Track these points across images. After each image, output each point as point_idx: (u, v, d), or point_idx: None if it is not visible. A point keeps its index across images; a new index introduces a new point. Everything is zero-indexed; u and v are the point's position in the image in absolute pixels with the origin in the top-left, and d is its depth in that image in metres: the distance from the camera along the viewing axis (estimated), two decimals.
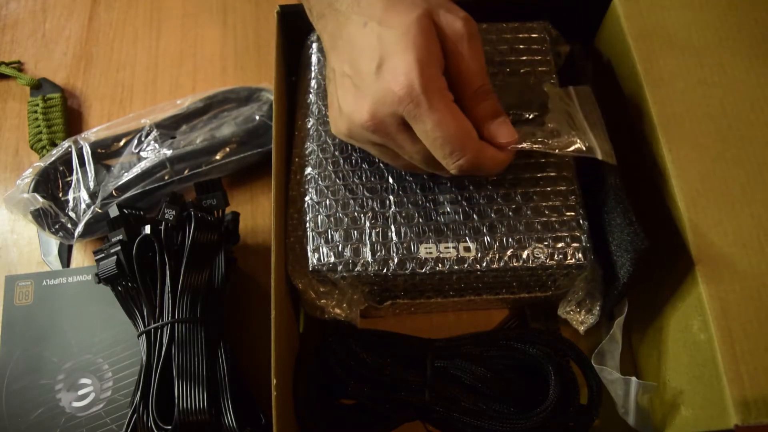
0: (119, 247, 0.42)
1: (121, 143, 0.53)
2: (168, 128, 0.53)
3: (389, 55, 0.35)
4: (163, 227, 0.42)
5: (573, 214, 0.41)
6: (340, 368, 0.42)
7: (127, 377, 0.46)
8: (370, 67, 0.35)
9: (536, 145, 0.38)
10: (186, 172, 0.51)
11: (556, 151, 0.39)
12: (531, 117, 0.41)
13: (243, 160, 0.52)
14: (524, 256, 0.40)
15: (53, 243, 0.53)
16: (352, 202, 0.41)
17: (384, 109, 0.35)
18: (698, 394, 0.37)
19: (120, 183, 0.50)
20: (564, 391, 0.41)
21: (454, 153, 0.35)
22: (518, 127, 0.38)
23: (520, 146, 0.38)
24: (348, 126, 0.38)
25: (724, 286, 0.36)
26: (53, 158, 0.51)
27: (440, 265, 0.39)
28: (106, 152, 0.53)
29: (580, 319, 0.43)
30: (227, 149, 0.52)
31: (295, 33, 0.47)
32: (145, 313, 0.42)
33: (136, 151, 0.52)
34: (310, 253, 0.40)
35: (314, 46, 0.47)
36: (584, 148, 0.39)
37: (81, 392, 0.46)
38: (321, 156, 0.43)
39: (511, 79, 0.45)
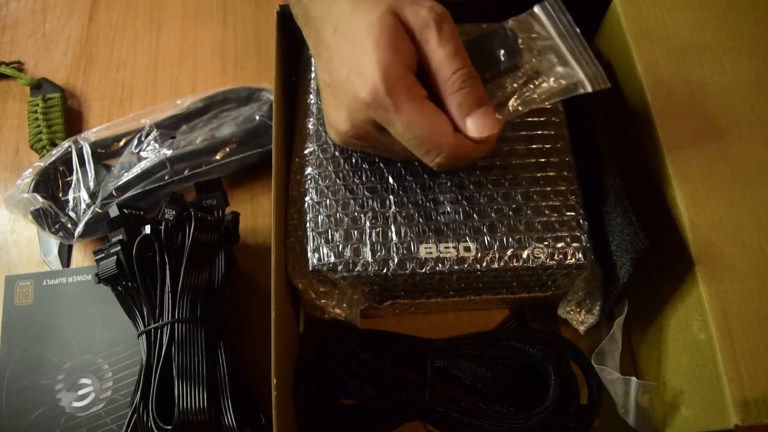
0: (119, 247, 0.42)
1: (121, 143, 0.53)
2: (168, 128, 0.53)
3: (355, 60, 0.34)
4: (163, 227, 0.42)
5: (573, 213, 0.41)
6: (340, 368, 0.42)
7: (127, 377, 0.46)
8: (341, 74, 0.35)
9: (518, 109, 0.36)
10: (186, 172, 0.51)
11: (546, 104, 0.37)
12: (503, 69, 0.37)
13: (243, 160, 0.52)
14: (524, 256, 0.40)
15: (53, 243, 0.53)
16: (352, 202, 0.41)
17: (359, 116, 0.35)
18: (698, 394, 0.37)
19: (120, 183, 0.50)
20: (564, 391, 0.41)
21: (429, 152, 0.35)
22: (490, 88, 0.36)
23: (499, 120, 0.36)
24: (336, 136, 0.38)
25: (724, 286, 0.36)
26: (53, 158, 0.51)
27: (440, 265, 0.39)
28: (106, 152, 0.53)
29: (580, 319, 0.43)
30: (227, 149, 0.52)
31: (295, 33, 0.47)
32: (145, 313, 0.42)
33: (136, 151, 0.52)
34: (310, 253, 0.40)
35: None
36: (571, 86, 0.36)
37: (81, 392, 0.46)
38: (321, 156, 0.43)
39: (472, 32, 0.41)
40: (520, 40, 0.37)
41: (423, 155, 0.35)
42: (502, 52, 0.37)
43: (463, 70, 0.35)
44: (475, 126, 0.35)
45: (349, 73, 0.34)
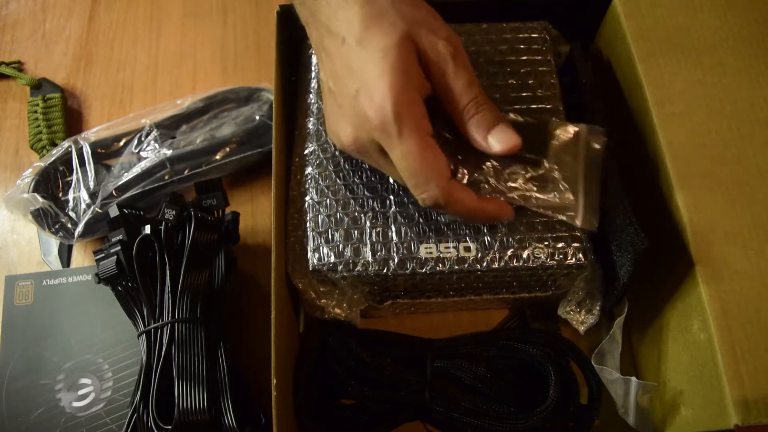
0: (119, 247, 0.42)
1: (121, 143, 0.53)
2: (168, 128, 0.53)
3: (367, 80, 0.34)
4: (163, 227, 0.42)
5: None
6: (340, 368, 0.42)
7: (127, 377, 0.46)
8: (349, 90, 0.35)
9: (516, 197, 0.38)
10: (186, 172, 0.51)
11: (538, 209, 0.39)
12: (528, 156, 0.38)
13: (243, 160, 0.52)
14: (524, 256, 0.40)
15: (53, 243, 0.53)
16: (352, 201, 0.41)
17: (363, 135, 0.35)
18: (698, 394, 0.37)
19: (120, 183, 0.50)
20: (564, 391, 0.41)
21: (418, 186, 0.35)
22: (511, 167, 0.38)
23: (503, 197, 0.38)
24: (337, 143, 0.39)
25: (724, 286, 0.36)
26: (53, 158, 0.51)
27: (440, 265, 0.39)
28: (106, 152, 0.53)
29: (580, 319, 0.43)
30: (227, 149, 0.52)
31: (295, 33, 0.47)
32: (145, 313, 0.42)
33: (136, 151, 0.52)
34: (310, 253, 0.40)
35: None
36: (564, 217, 0.38)
37: (81, 392, 0.46)
38: (321, 156, 0.43)
39: (518, 118, 0.42)
40: (553, 142, 0.39)
41: (412, 188, 0.36)
42: (535, 141, 0.38)
43: (479, 98, 0.36)
44: (496, 140, 0.36)
45: (359, 91, 0.34)
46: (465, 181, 0.38)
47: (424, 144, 0.34)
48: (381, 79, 0.33)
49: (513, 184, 0.38)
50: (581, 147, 0.39)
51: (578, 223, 0.38)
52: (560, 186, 0.38)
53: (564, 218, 0.39)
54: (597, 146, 0.39)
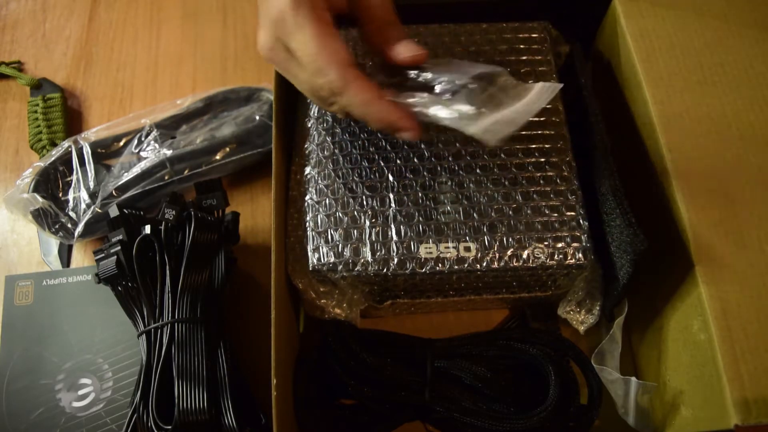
0: (119, 247, 0.42)
1: (121, 143, 0.53)
2: (168, 128, 0.53)
3: None
4: (163, 227, 0.42)
5: (573, 213, 0.41)
6: (340, 368, 0.42)
7: (127, 377, 0.46)
8: None
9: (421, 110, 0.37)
10: (186, 172, 0.51)
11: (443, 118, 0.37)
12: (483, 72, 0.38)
13: (243, 160, 0.52)
14: (524, 255, 0.40)
15: (53, 243, 0.53)
16: (351, 201, 0.41)
17: (270, 35, 0.35)
18: (698, 394, 0.37)
19: (120, 183, 0.50)
20: (564, 391, 0.41)
21: (317, 73, 0.35)
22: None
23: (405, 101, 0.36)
24: (260, 53, 0.38)
25: (724, 286, 0.36)
26: (53, 158, 0.51)
27: (440, 265, 0.39)
28: (106, 152, 0.53)
29: (580, 319, 0.43)
30: (227, 149, 0.52)
31: None
32: (145, 313, 0.42)
33: (136, 151, 0.52)
34: (310, 253, 0.40)
35: None
36: (466, 129, 0.36)
37: (81, 392, 0.46)
38: (321, 155, 0.43)
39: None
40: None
41: (311, 75, 0.35)
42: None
43: (392, 18, 0.38)
44: (406, 48, 0.37)
45: None
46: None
47: (322, 30, 0.34)
48: None
49: (420, 98, 0.37)
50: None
51: (472, 131, 0.35)
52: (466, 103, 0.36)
53: (467, 131, 0.36)
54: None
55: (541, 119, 0.43)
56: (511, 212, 0.41)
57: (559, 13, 0.47)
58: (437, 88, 0.38)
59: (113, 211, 0.44)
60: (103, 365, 0.47)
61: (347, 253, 0.40)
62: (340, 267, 0.39)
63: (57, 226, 0.49)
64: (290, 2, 0.34)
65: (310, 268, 0.40)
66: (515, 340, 0.43)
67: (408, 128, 0.36)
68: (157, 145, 0.52)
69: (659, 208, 0.40)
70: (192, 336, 0.41)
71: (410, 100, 0.37)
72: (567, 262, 0.40)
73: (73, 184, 0.51)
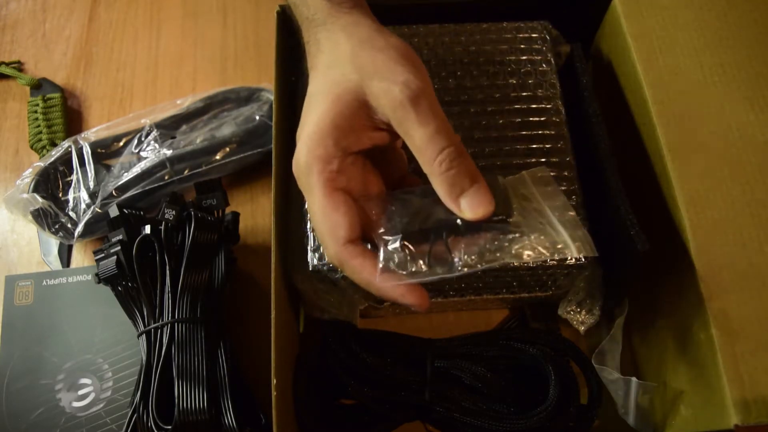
0: (119, 247, 0.42)
1: (121, 143, 0.53)
2: (168, 128, 0.53)
3: (304, 117, 0.35)
4: (163, 227, 0.42)
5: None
6: (340, 368, 0.42)
7: (127, 377, 0.46)
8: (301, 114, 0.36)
9: (492, 258, 0.33)
10: (186, 172, 0.51)
11: (530, 263, 0.35)
12: (494, 219, 0.33)
13: (243, 160, 0.52)
14: (525, 256, 0.39)
15: (53, 243, 0.53)
16: None
17: (295, 170, 0.35)
18: (698, 394, 0.37)
19: (120, 183, 0.50)
20: (564, 391, 0.41)
21: (321, 242, 0.35)
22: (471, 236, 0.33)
23: (474, 269, 0.33)
24: None
25: (724, 286, 0.36)
26: (53, 158, 0.51)
27: None
28: (106, 152, 0.53)
29: (580, 319, 0.43)
30: (227, 149, 0.52)
31: (295, 33, 0.47)
32: (145, 313, 0.42)
33: (136, 151, 0.52)
34: (310, 253, 0.40)
35: None
36: (558, 255, 0.34)
37: (81, 392, 0.46)
38: None
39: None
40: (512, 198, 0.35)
41: (320, 241, 0.35)
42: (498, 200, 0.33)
43: (450, 149, 0.32)
44: (469, 206, 0.32)
45: (300, 124, 0.35)
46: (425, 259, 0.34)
47: (326, 200, 0.33)
48: (307, 124, 0.34)
49: (489, 256, 0.34)
50: (532, 187, 0.36)
51: (575, 253, 0.34)
52: (538, 229, 0.34)
53: (558, 257, 0.34)
54: (546, 180, 0.36)
55: (542, 119, 0.43)
56: None
57: (559, 13, 0.47)
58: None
59: (113, 211, 0.44)
60: (103, 365, 0.47)
61: None
62: None
63: (57, 226, 0.49)
64: (304, 162, 0.33)
65: (310, 268, 0.40)
66: (515, 340, 0.43)
67: (412, 303, 0.34)
68: (157, 145, 0.52)
69: (659, 209, 0.40)
70: (192, 336, 0.41)
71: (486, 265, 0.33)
72: (567, 262, 0.40)
73: (73, 184, 0.51)
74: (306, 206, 0.36)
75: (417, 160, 0.33)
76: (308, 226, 0.41)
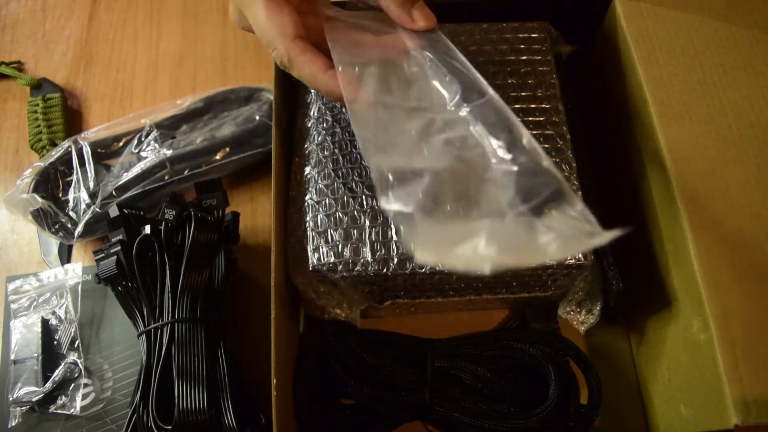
0: (119, 247, 0.42)
1: (121, 143, 0.53)
2: (168, 128, 0.53)
3: None
4: (163, 227, 0.42)
5: None
6: (340, 368, 0.42)
7: (127, 377, 0.46)
8: None
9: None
10: (186, 172, 0.51)
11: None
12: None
13: (243, 160, 0.52)
14: None
15: (53, 243, 0.53)
16: (351, 201, 0.41)
17: (233, 7, 0.37)
18: (698, 394, 0.37)
19: (120, 183, 0.50)
20: (564, 391, 0.41)
21: (268, 45, 0.36)
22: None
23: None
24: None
25: (724, 286, 0.36)
26: (53, 158, 0.51)
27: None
28: (106, 152, 0.53)
29: (580, 319, 0.43)
30: (227, 149, 0.52)
31: None
32: (145, 313, 0.42)
33: (136, 151, 0.52)
34: (310, 253, 0.40)
35: None
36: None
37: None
38: (320, 155, 0.43)
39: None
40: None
41: (267, 48, 0.36)
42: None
43: None
44: (422, 16, 0.37)
45: None
46: None
47: (271, 4, 0.35)
48: None
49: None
50: None
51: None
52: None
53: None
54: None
55: (541, 119, 0.43)
56: None
57: (559, 13, 0.47)
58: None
59: (113, 211, 0.44)
60: (103, 365, 0.47)
61: (347, 253, 0.40)
62: (340, 267, 0.39)
63: (57, 226, 0.49)
64: None
65: (310, 268, 0.40)
66: (515, 340, 0.43)
67: (356, 98, 0.35)
68: (157, 145, 0.52)
69: (659, 208, 0.40)
70: (192, 336, 0.41)
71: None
72: (567, 262, 0.40)
73: (73, 184, 0.51)
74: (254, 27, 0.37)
75: None
76: (308, 226, 0.41)
